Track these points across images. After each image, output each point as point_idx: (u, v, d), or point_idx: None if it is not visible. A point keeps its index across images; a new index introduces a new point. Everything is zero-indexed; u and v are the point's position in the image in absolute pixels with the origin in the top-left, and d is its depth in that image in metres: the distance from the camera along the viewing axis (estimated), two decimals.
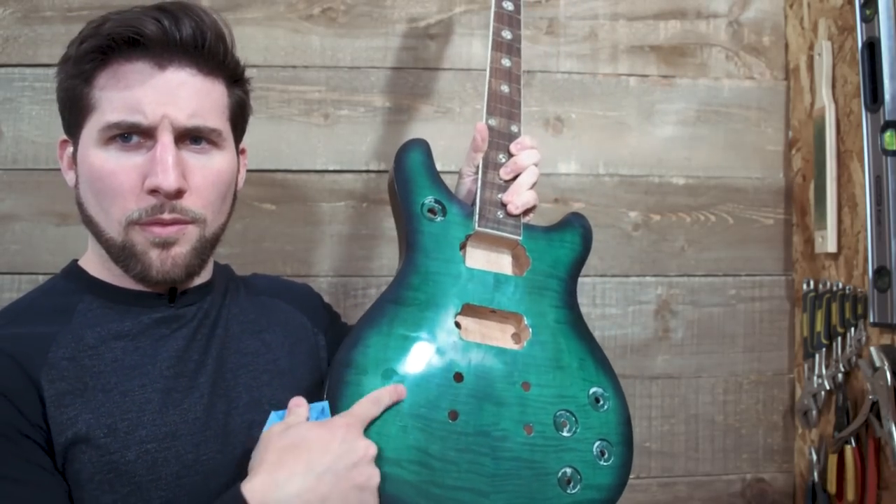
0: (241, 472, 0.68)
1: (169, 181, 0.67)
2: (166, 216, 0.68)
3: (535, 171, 0.82)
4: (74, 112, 0.70)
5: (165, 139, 0.68)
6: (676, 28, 1.23)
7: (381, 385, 0.68)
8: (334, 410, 0.67)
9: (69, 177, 0.74)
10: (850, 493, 1.03)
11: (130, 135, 0.68)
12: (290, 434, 0.63)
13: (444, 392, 0.71)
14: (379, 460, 0.65)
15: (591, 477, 0.72)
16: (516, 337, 0.79)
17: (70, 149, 0.73)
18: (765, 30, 1.24)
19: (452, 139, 1.17)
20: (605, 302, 1.20)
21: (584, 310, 1.18)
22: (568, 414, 0.74)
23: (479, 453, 0.70)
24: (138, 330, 0.71)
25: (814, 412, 1.14)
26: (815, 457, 1.13)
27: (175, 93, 0.68)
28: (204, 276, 0.77)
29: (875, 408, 0.98)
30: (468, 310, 0.77)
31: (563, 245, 0.84)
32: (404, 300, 0.75)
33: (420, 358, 0.72)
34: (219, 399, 0.73)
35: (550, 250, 0.83)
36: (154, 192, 0.67)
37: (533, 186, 0.82)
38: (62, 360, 0.66)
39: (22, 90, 1.11)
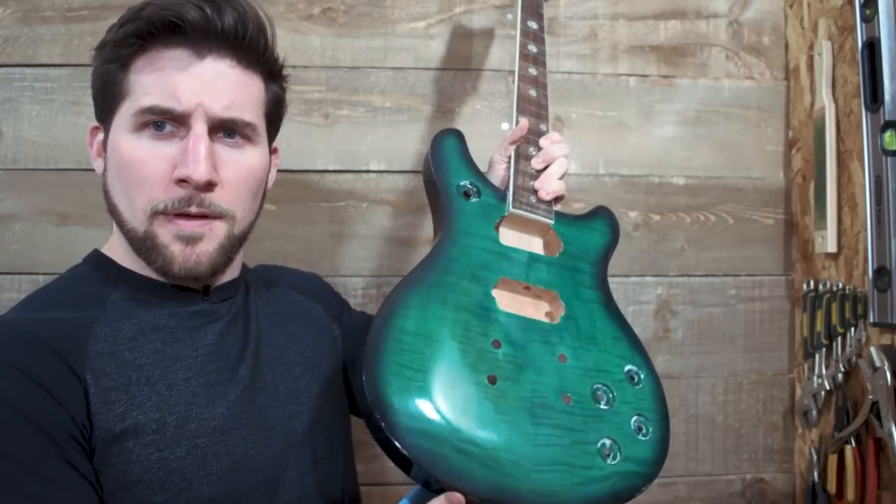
0: (281, 465, 0.68)
1: (199, 172, 0.64)
2: (193, 209, 0.66)
3: (564, 162, 0.86)
4: (108, 97, 0.68)
5: (199, 129, 0.66)
6: (676, 28, 1.23)
7: (422, 344, 0.67)
8: (369, 365, 0.64)
9: (97, 164, 0.72)
10: (850, 493, 1.03)
11: (164, 122, 0.66)
12: None
13: (484, 356, 0.70)
14: (419, 418, 0.63)
15: (630, 450, 0.70)
16: (549, 315, 0.79)
17: (100, 136, 0.71)
18: (765, 30, 1.24)
19: None
20: None
21: None
22: (605, 387, 0.73)
23: (518, 416, 0.68)
24: (175, 322, 0.70)
25: (814, 412, 1.14)
26: (815, 457, 1.13)
27: (212, 82, 0.67)
28: (233, 273, 0.77)
29: (875, 408, 0.98)
30: (503, 284, 0.78)
31: (594, 232, 0.86)
32: (443, 269, 0.74)
33: (459, 323, 0.71)
34: (259, 392, 0.72)
35: (581, 236, 0.85)
36: (183, 182, 0.65)
37: (562, 177, 0.85)
38: (102, 354, 0.64)
39: (22, 90, 1.11)
